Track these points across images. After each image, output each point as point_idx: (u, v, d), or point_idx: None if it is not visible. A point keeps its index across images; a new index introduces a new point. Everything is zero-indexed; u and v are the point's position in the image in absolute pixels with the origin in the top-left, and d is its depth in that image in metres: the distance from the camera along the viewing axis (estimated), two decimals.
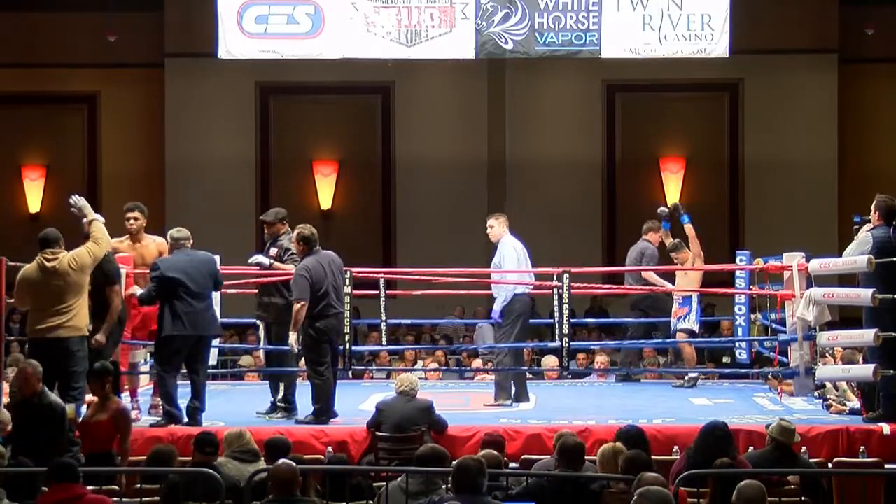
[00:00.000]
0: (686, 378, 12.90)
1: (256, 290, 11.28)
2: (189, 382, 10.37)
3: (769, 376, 12.31)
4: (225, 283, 11.86)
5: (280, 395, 10.89)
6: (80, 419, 9.14)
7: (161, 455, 8.13)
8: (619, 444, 8.01)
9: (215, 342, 11.60)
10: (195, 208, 18.60)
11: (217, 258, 11.60)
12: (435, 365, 14.78)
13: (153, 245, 11.03)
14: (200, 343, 10.30)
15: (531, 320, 12.14)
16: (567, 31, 14.19)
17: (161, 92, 19.78)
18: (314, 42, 14.40)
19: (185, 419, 10.10)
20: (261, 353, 12.61)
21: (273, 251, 11.10)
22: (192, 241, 10.45)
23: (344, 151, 20.10)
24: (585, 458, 7.92)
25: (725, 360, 14.57)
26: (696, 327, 12.75)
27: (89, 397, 9.74)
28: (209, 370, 12.43)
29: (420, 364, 14.75)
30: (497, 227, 11.49)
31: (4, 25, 19.67)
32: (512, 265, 11.32)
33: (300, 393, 10.86)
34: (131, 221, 10.92)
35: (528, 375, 12.26)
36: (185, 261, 10.24)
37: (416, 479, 7.40)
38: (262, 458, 8.29)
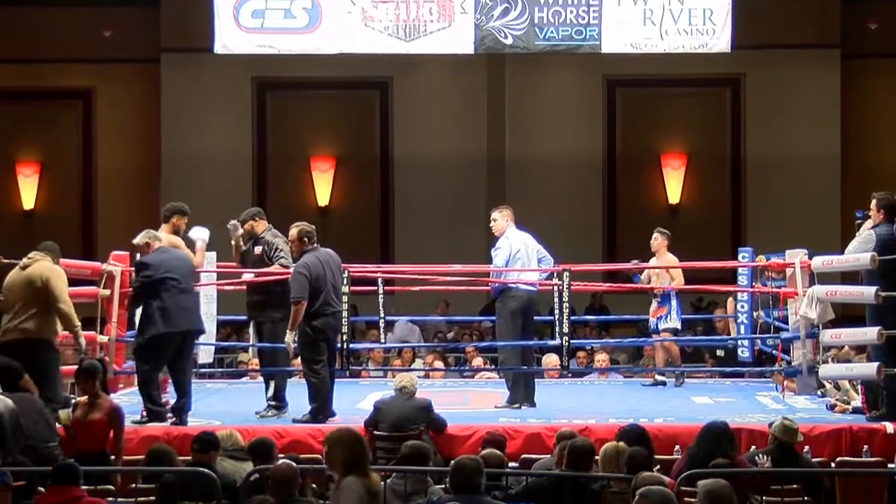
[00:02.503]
0: (652, 377, 12.87)
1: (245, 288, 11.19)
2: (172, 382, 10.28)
3: (775, 373, 12.22)
4: (222, 280, 11.84)
5: (271, 393, 10.77)
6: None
7: (159, 454, 8.06)
8: (621, 443, 7.94)
9: (210, 339, 11.52)
10: (191, 204, 18.27)
11: (214, 254, 11.59)
12: (437, 364, 14.68)
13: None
14: (188, 339, 10.19)
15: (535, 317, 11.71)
16: (567, 26, 14.13)
17: (157, 87, 19.67)
18: (311, 37, 14.35)
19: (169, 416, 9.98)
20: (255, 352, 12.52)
21: (258, 250, 10.99)
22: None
23: (342, 147, 19.99)
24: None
25: (719, 353, 14.52)
26: (678, 325, 12.70)
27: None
28: (206, 369, 12.40)
29: (420, 363, 14.67)
30: (500, 221, 11.25)
31: None
32: (501, 261, 11.14)
33: (298, 392, 10.73)
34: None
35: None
36: (169, 258, 10.21)
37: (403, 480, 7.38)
38: None
